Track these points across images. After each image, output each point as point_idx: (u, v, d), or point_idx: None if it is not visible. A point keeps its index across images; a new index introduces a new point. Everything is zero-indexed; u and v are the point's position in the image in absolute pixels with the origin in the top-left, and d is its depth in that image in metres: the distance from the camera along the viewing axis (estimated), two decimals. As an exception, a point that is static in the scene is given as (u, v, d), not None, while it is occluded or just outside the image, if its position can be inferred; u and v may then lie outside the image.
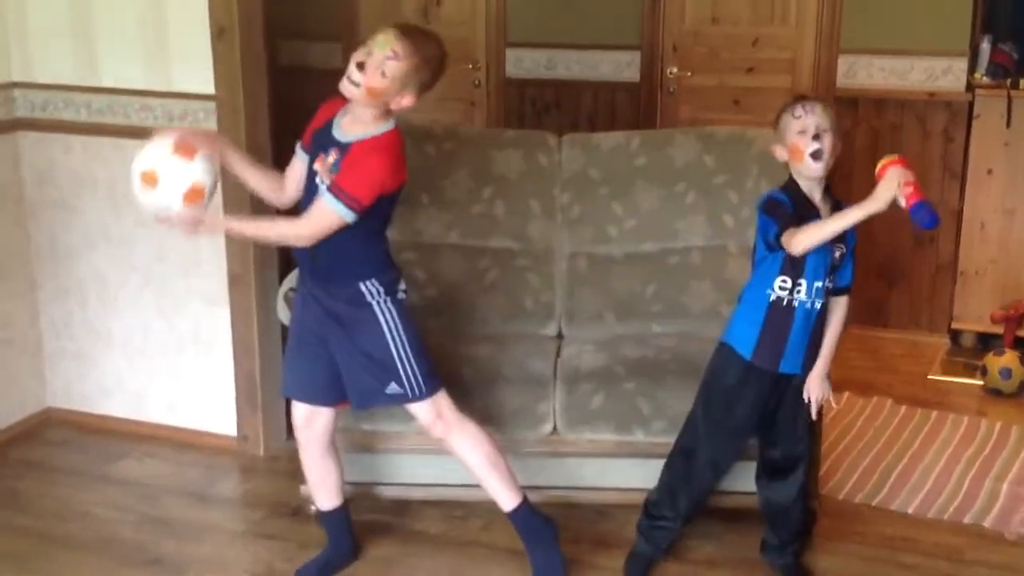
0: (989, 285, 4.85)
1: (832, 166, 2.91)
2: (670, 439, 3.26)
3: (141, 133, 3.75)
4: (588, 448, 3.40)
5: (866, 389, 4.47)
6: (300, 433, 3.17)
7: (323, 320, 2.99)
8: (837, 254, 2.93)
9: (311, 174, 2.90)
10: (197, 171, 2.74)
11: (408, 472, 3.49)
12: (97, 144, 3.93)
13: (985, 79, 4.75)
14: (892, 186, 2.69)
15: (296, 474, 3.63)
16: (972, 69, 4.79)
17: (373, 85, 2.76)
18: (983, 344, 4.85)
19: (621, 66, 5.30)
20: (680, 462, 3.12)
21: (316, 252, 2.87)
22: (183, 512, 3.61)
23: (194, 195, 2.74)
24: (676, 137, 3.86)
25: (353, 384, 3.03)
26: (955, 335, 4.97)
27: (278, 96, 4.27)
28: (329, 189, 2.79)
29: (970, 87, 4.77)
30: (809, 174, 2.89)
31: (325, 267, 2.91)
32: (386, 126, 2.85)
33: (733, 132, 3.87)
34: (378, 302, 2.94)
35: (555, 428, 3.36)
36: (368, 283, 2.93)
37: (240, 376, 3.95)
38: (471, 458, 3.07)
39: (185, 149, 2.74)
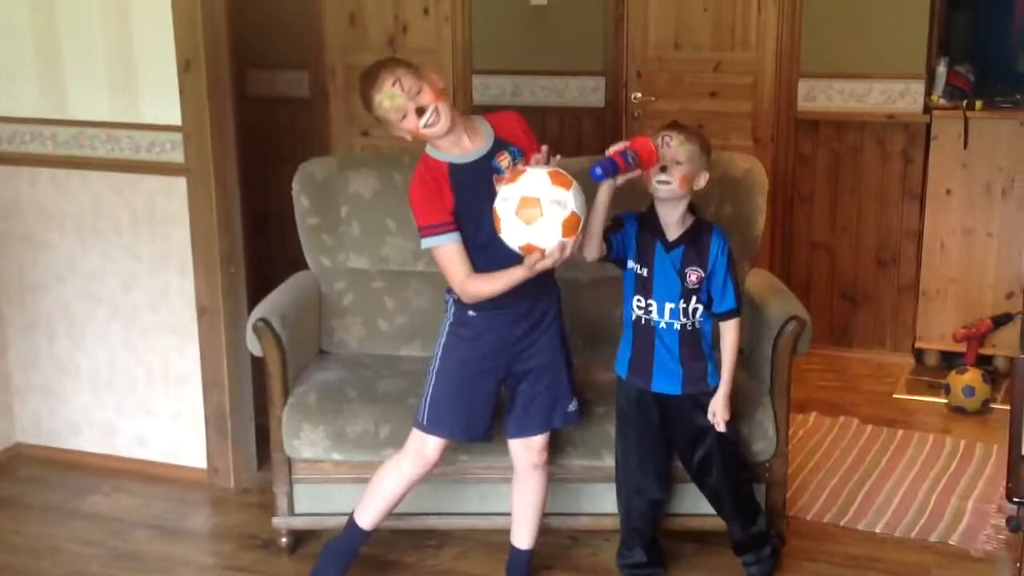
0: (951, 304, 4.92)
1: (694, 193, 3.03)
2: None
3: (108, 165, 3.83)
4: (559, 474, 3.40)
5: (832, 409, 4.52)
6: (430, 468, 3.11)
7: (518, 342, 2.98)
8: (692, 277, 3.02)
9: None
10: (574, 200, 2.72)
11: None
12: (64, 176, 3.94)
13: (942, 101, 4.83)
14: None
15: (267, 506, 3.65)
16: (929, 91, 4.86)
17: (434, 92, 2.82)
18: (947, 362, 4.91)
19: (586, 91, 5.35)
20: (619, 504, 3.27)
21: None
22: (153, 546, 3.59)
23: (570, 226, 2.71)
24: (640, 163, 3.89)
25: (540, 406, 3.06)
26: (919, 354, 5.04)
27: (246, 126, 4.28)
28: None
29: (927, 109, 4.85)
30: (656, 196, 3.01)
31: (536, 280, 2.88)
32: (479, 117, 3.03)
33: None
34: (443, 331, 3.06)
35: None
36: (448, 297, 3.04)
37: (210, 408, 3.94)
38: (543, 492, 3.18)
39: (561, 179, 2.72)
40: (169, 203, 3.83)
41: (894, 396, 4.72)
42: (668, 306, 3.03)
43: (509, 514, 3.32)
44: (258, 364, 3.67)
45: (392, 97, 2.78)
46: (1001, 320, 4.74)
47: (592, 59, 5.31)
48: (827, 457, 4.09)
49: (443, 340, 3.07)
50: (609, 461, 3.33)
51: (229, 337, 3.87)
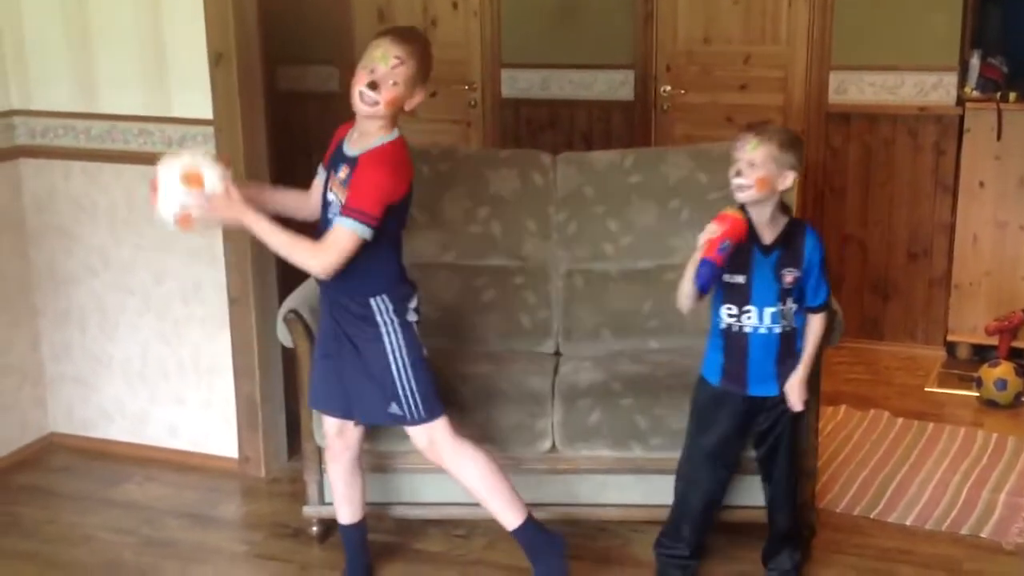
0: (983, 297, 4.88)
1: (779, 194, 2.97)
2: (667, 454, 3.31)
3: (140, 158, 3.86)
4: (586, 464, 3.42)
5: (863, 402, 4.49)
6: (332, 443, 3.19)
7: (337, 334, 3.03)
8: (789, 278, 2.97)
9: (325, 194, 2.96)
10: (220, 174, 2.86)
11: (409, 492, 3.50)
12: (97, 170, 3.97)
13: (975, 93, 4.79)
14: (700, 239, 2.86)
15: (297, 495, 3.68)
16: (962, 83, 4.82)
17: (391, 97, 2.82)
18: (978, 356, 4.88)
19: (615, 85, 5.35)
20: (678, 490, 3.20)
21: None
22: (185, 534, 3.63)
23: (193, 179, 2.85)
24: (669, 155, 3.90)
25: (358, 400, 3.07)
26: (951, 347, 5.00)
27: (276, 120, 4.32)
28: (341, 211, 2.83)
29: (960, 101, 4.81)
30: (739, 200, 2.98)
31: (337, 282, 2.92)
32: (390, 136, 2.90)
33: (726, 148, 3.84)
34: (385, 322, 2.97)
35: (553, 445, 3.39)
36: (378, 299, 2.96)
37: (241, 398, 3.97)
38: (469, 481, 3.10)
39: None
40: (200, 195, 3.86)
41: (925, 389, 4.69)
42: (768, 311, 2.97)
43: (540, 504, 3.33)
44: (288, 354, 3.70)
45: (384, 58, 2.80)
46: (1034, 313, 4.71)
47: (621, 52, 5.31)
48: (857, 449, 4.07)
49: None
50: (638, 452, 3.34)
51: (260, 327, 3.90)
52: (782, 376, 3.04)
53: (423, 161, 3.82)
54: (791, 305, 2.99)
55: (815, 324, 3.06)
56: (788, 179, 2.94)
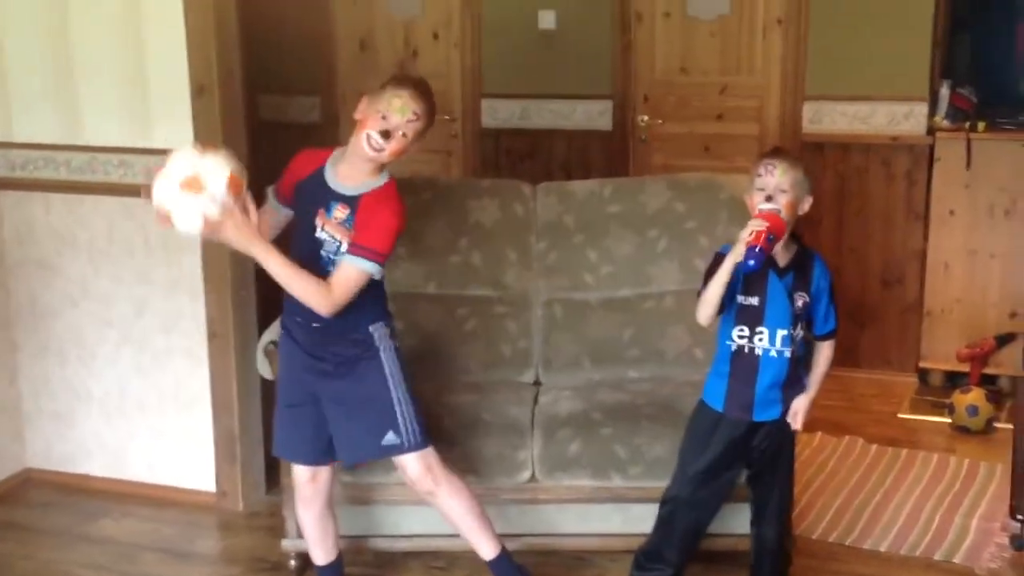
0: (955, 324, 4.95)
1: (798, 219, 3.00)
2: (648, 483, 3.34)
3: (120, 190, 3.87)
4: (566, 495, 3.43)
5: (838, 429, 4.54)
6: (304, 489, 3.17)
7: (315, 372, 3.02)
8: (800, 303, 3.01)
9: (308, 228, 2.94)
10: (229, 162, 2.80)
11: (389, 524, 3.51)
12: (77, 202, 3.98)
13: (945, 122, 4.87)
14: (743, 234, 2.85)
15: (276, 529, 3.68)
16: (932, 113, 4.90)
17: (398, 148, 2.87)
18: (951, 382, 4.93)
19: (594, 115, 5.40)
20: (665, 511, 3.19)
21: None
22: (162, 570, 3.62)
23: (235, 184, 2.78)
24: (648, 184, 3.95)
25: (346, 437, 3.06)
26: (923, 374, 5.06)
27: (257, 151, 4.33)
28: (350, 251, 2.87)
29: (931, 131, 4.89)
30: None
31: (339, 316, 2.91)
32: (385, 176, 2.96)
33: (703, 178, 3.96)
34: (384, 348, 3.02)
35: (533, 475, 3.40)
36: (377, 325, 3.01)
37: (219, 432, 3.97)
38: (457, 511, 3.11)
39: (208, 146, 2.86)
40: (181, 227, 3.87)
41: (899, 416, 4.74)
42: (780, 333, 2.99)
43: (519, 535, 3.36)
44: (267, 387, 3.71)
45: (403, 111, 2.84)
46: (1004, 339, 4.76)
47: (600, 83, 5.37)
48: (832, 476, 4.11)
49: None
50: (618, 481, 3.36)
51: (239, 360, 3.91)
52: (786, 401, 3.06)
53: (404, 191, 3.80)
54: (800, 331, 3.02)
55: (825, 351, 3.09)
56: (807, 204, 3.01)
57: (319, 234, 2.93)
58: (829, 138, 5.05)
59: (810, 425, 4.39)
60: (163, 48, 3.75)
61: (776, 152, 3.04)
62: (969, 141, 4.76)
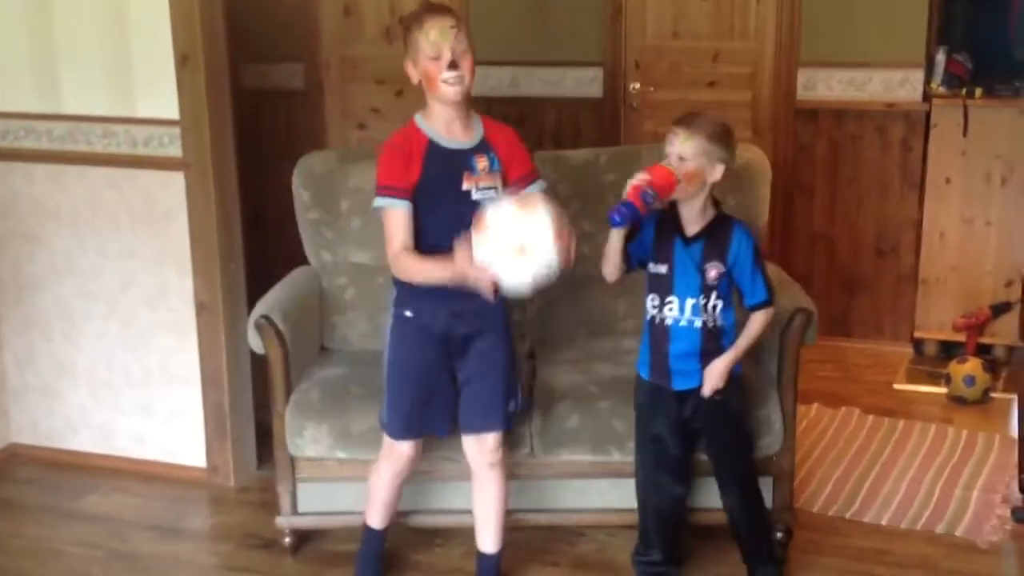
0: (950, 293, 4.91)
1: (708, 187, 2.96)
2: (646, 458, 3.30)
3: (104, 160, 3.78)
4: (565, 469, 3.39)
5: (833, 400, 4.51)
6: (406, 461, 3.09)
7: (457, 341, 2.96)
8: (712, 272, 2.97)
9: (455, 200, 2.85)
10: (551, 214, 2.68)
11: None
12: (60, 172, 3.89)
13: (941, 89, 4.82)
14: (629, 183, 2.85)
15: (268, 505, 3.62)
16: (928, 79, 4.85)
17: (470, 64, 2.83)
18: (945, 352, 4.91)
19: (584, 82, 5.31)
20: (638, 494, 3.20)
21: None
22: (153, 546, 3.56)
23: (563, 238, 2.69)
24: (644, 152, 3.86)
25: (479, 406, 3.02)
26: (918, 344, 5.03)
27: (241, 119, 4.23)
28: (530, 178, 2.97)
29: (927, 97, 4.84)
30: None
31: None
32: (475, 112, 2.97)
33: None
34: (508, 312, 3.04)
35: (532, 450, 3.35)
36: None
37: (209, 406, 3.90)
38: (499, 493, 3.12)
39: (527, 201, 2.71)
40: (167, 198, 3.79)
41: (894, 386, 4.71)
42: (689, 302, 2.98)
43: (517, 510, 3.31)
44: (257, 361, 3.65)
45: (444, 33, 2.78)
46: (1000, 309, 4.74)
47: (590, 50, 5.28)
48: (830, 448, 4.08)
49: (389, 334, 3.04)
50: (616, 456, 3.30)
51: (228, 334, 3.84)
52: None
53: (394, 163, 3.77)
54: (716, 302, 2.98)
55: (755, 321, 3.03)
56: (718, 172, 2.94)
57: (476, 196, 2.87)
58: (823, 105, 4.98)
59: (806, 396, 4.41)
60: (146, 15, 3.65)
61: (682, 119, 2.97)
62: (966, 108, 4.71)
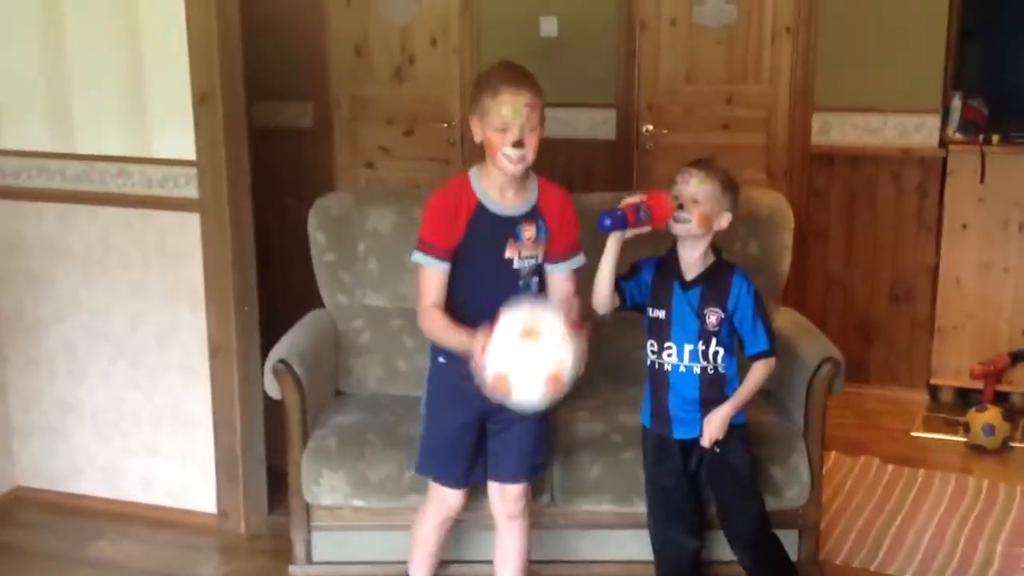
0: (967, 340, 4.87)
1: (712, 233, 2.95)
2: (670, 509, 3.24)
3: (118, 200, 3.73)
4: (586, 520, 3.32)
5: (852, 448, 4.44)
6: (454, 507, 3.02)
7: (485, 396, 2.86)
8: (712, 318, 2.93)
9: (495, 265, 2.81)
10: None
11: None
12: (72, 212, 3.83)
13: (957, 135, 4.80)
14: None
15: (280, 553, 3.55)
16: (944, 125, 4.82)
17: (535, 144, 2.76)
18: (962, 399, 4.86)
19: (597, 124, 5.28)
20: (653, 547, 3.14)
21: None
22: (164, 596, 3.48)
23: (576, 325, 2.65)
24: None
25: (514, 455, 2.96)
26: (934, 391, 4.97)
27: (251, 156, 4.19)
28: (564, 256, 2.87)
29: (943, 143, 4.81)
30: (673, 233, 2.94)
31: None
32: (535, 176, 2.89)
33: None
34: None
35: (552, 499, 3.28)
36: None
37: (220, 450, 3.82)
38: (521, 546, 3.05)
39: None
40: (181, 239, 3.73)
41: (912, 434, 4.65)
42: (687, 348, 2.93)
43: (534, 561, 3.23)
44: (269, 404, 3.58)
45: (517, 113, 2.70)
46: (1019, 356, 4.69)
47: (603, 91, 5.25)
48: (851, 498, 4.01)
49: (428, 381, 3.00)
50: (640, 507, 3.23)
51: (242, 377, 3.76)
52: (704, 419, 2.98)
53: (414, 203, 3.70)
54: (716, 348, 2.93)
55: (755, 372, 2.98)
56: (725, 220, 2.93)
57: (517, 264, 2.82)
58: (838, 150, 4.95)
59: (824, 444, 4.34)
60: (163, 55, 3.61)
61: (698, 162, 2.96)
62: (983, 154, 4.68)
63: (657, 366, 2.99)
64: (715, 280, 2.95)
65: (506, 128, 2.70)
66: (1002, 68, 5.08)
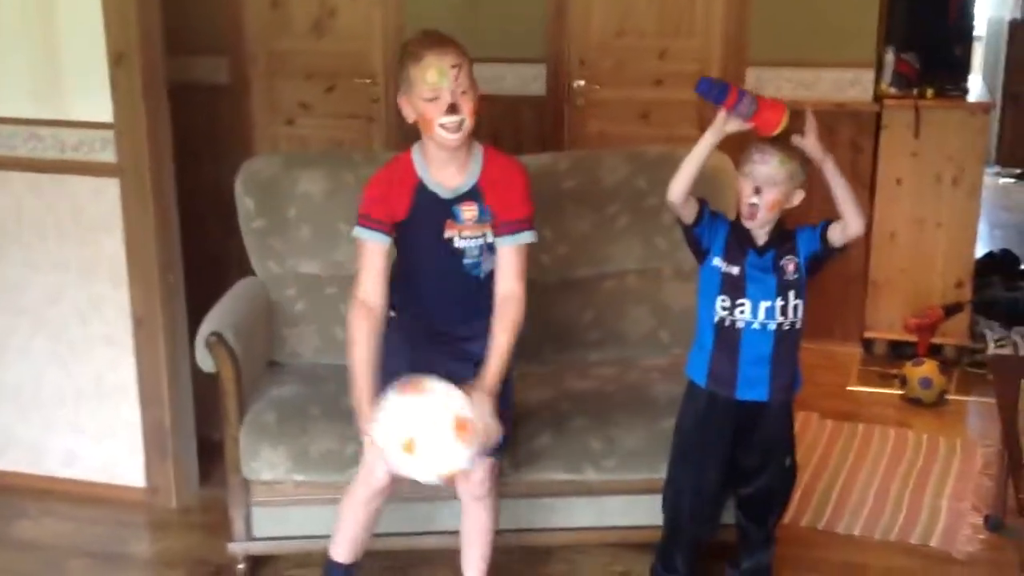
0: (900, 294, 4.88)
1: (787, 210, 2.86)
2: (622, 476, 3.20)
3: (30, 165, 3.51)
4: (535, 489, 3.24)
5: (791, 404, 4.43)
6: (386, 482, 2.84)
7: (456, 360, 2.79)
8: (790, 267, 2.85)
9: (436, 247, 2.71)
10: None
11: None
12: (-22, 179, 3.60)
13: (891, 90, 4.78)
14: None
15: (213, 528, 3.43)
16: (878, 80, 4.80)
17: (472, 107, 2.61)
18: (895, 352, 4.88)
19: (526, 80, 5.14)
20: (667, 513, 3.03)
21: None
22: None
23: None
24: (605, 158, 3.74)
25: None
26: (867, 344, 4.99)
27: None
28: (506, 231, 2.73)
29: (877, 98, 4.79)
30: (746, 225, 2.84)
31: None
32: (478, 146, 2.74)
33: (663, 152, 3.76)
34: None
35: (502, 469, 3.19)
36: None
37: (148, 424, 3.66)
38: (488, 526, 2.95)
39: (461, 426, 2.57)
40: (99, 206, 3.54)
41: (847, 388, 4.66)
42: (763, 305, 2.81)
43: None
44: (197, 375, 3.43)
45: (443, 75, 2.56)
46: (953, 309, 4.73)
47: (532, 46, 5.10)
48: (793, 456, 4.00)
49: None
50: (592, 474, 3.17)
51: (168, 349, 3.61)
52: (775, 381, 2.88)
53: (346, 167, 3.58)
54: (796, 301, 2.84)
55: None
56: (797, 197, 2.83)
57: (458, 244, 2.71)
58: (772, 104, 4.89)
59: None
60: (75, 10, 3.40)
61: (772, 142, 2.79)
62: (917, 109, 4.67)
63: (728, 323, 2.84)
64: (783, 237, 2.87)
65: (436, 95, 2.58)
66: (927, 21, 5.05)
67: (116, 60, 3.38)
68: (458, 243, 2.73)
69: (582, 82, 5.08)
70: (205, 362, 3.17)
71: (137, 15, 3.36)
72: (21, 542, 3.51)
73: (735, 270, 2.85)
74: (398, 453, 2.54)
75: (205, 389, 3.46)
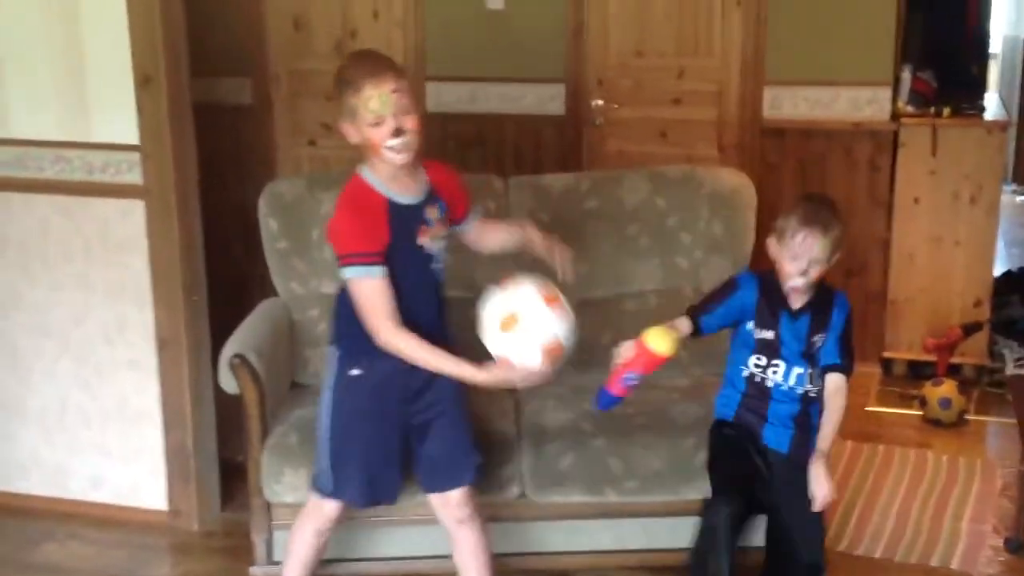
0: (919, 313, 4.88)
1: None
2: (642, 499, 3.21)
3: (57, 187, 3.55)
4: (556, 511, 3.26)
5: (810, 424, 4.43)
6: (328, 529, 2.94)
7: (422, 392, 2.79)
8: (819, 343, 2.89)
9: (413, 255, 2.73)
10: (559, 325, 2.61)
11: (366, 546, 3.30)
12: (6, 200, 3.64)
13: (908, 108, 4.78)
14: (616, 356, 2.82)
15: (235, 551, 3.45)
16: (895, 98, 4.81)
17: (415, 125, 2.63)
18: (914, 372, 4.87)
19: (545, 99, 5.17)
20: (699, 551, 2.92)
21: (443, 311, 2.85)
22: (119, 600, 3.35)
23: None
24: (626, 178, 3.76)
25: (448, 461, 2.86)
26: (886, 364, 4.98)
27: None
28: (468, 217, 2.93)
29: (895, 116, 4.80)
30: (788, 295, 2.88)
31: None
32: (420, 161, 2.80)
33: (683, 172, 3.80)
34: None
35: (523, 492, 3.21)
36: None
37: (171, 447, 3.68)
38: (481, 545, 2.93)
39: (552, 300, 2.62)
40: (125, 228, 3.57)
41: (867, 408, 4.65)
42: (796, 371, 2.88)
43: (502, 555, 3.15)
44: (221, 399, 3.45)
45: (384, 102, 2.58)
46: (972, 329, 4.71)
47: (551, 66, 5.14)
48: (813, 477, 4.00)
49: (330, 394, 2.83)
50: (612, 496, 3.19)
51: (192, 371, 3.63)
52: (796, 437, 2.91)
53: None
54: (817, 369, 2.90)
55: (829, 386, 2.88)
56: (835, 258, 2.86)
57: (428, 249, 2.75)
58: (790, 124, 4.91)
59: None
60: (102, 34, 3.44)
61: (810, 218, 2.79)
62: (935, 127, 4.68)
63: (758, 379, 2.91)
64: (820, 305, 2.89)
65: (380, 121, 2.60)
66: (944, 39, 5.06)
67: (142, 83, 3.42)
68: (428, 248, 2.76)
69: (601, 101, 5.10)
70: (228, 384, 3.20)
71: (163, 38, 3.40)
72: (47, 565, 3.53)
73: (769, 335, 2.89)
74: (499, 335, 2.58)
75: (226, 410, 3.48)
